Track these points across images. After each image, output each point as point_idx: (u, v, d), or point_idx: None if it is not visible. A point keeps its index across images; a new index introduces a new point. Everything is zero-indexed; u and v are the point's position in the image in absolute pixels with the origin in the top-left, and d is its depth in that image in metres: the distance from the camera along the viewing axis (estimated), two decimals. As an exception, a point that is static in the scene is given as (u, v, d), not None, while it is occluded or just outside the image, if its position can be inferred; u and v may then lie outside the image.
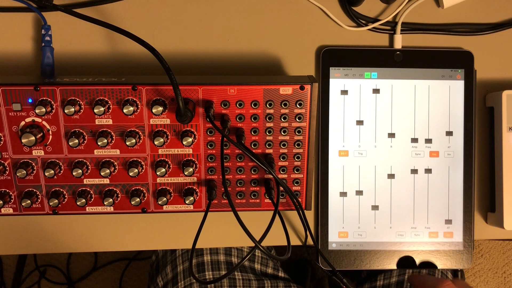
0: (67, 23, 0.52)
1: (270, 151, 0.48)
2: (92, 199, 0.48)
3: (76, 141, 0.45)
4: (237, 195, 0.49)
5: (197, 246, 0.47)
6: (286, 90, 0.46)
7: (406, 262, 0.55)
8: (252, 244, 0.40)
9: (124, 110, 0.44)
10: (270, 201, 0.49)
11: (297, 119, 0.47)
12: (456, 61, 0.54)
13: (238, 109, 0.46)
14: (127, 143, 0.45)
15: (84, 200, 0.47)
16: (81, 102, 0.45)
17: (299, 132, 0.47)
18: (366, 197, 0.54)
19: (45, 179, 0.47)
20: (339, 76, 0.53)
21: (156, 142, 0.45)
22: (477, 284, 1.39)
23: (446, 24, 0.55)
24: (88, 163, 0.47)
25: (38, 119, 0.45)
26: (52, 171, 0.46)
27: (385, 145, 0.54)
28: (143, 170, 0.47)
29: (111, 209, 0.49)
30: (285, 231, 0.45)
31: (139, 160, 0.47)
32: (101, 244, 0.55)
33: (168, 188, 0.49)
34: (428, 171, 0.54)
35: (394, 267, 0.55)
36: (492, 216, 0.55)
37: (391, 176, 0.54)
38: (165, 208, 0.49)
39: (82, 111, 0.45)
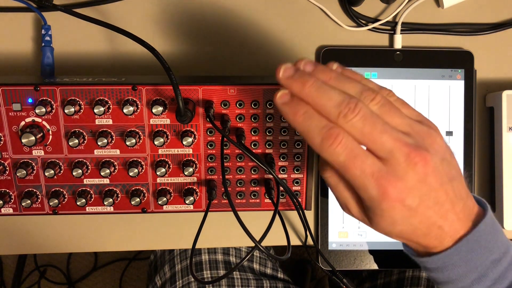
0: (67, 23, 0.52)
1: (270, 151, 0.48)
2: (92, 199, 0.48)
3: (76, 141, 0.45)
4: (237, 195, 0.49)
5: (197, 246, 0.47)
6: (286, 90, 0.46)
7: (406, 262, 0.55)
8: (252, 244, 0.40)
9: (124, 110, 0.44)
10: (270, 201, 0.49)
11: (297, 119, 0.46)
12: (456, 61, 0.54)
13: (238, 109, 0.46)
14: (127, 143, 0.45)
15: (84, 200, 0.47)
16: (81, 102, 0.45)
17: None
18: (366, 197, 0.54)
19: (45, 179, 0.47)
20: (339, 76, 0.53)
21: (156, 142, 0.45)
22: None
23: (446, 24, 0.55)
24: (88, 163, 0.47)
25: (38, 119, 0.45)
26: (52, 171, 0.46)
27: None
28: (143, 170, 0.47)
29: (111, 209, 0.49)
30: (285, 231, 0.45)
31: (139, 160, 0.47)
32: (101, 244, 0.55)
33: (168, 188, 0.49)
34: (428, 171, 0.54)
35: (395, 267, 0.55)
36: (492, 216, 0.55)
37: (391, 176, 0.54)
38: (165, 208, 0.49)
39: (82, 111, 0.45)
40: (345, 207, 0.39)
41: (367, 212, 0.37)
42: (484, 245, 0.36)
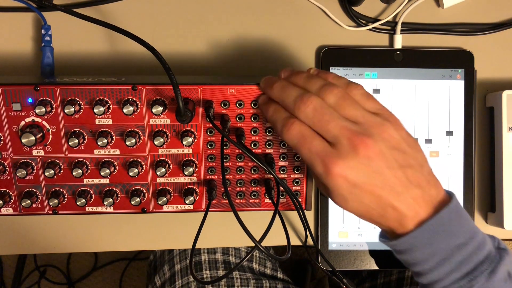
0: (67, 23, 0.52)
1: (270, 151, 0.48)
2: (92, 199, 0.48)
3: (76, 141, 0.45)
4: (237, 195, 0.49)
5: (196, 246, 0.47)
6: (286, 90, 0.46)
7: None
8: (252, 244, 0.40)
9: (124, 110, 0.44)
10: (270, 201, 0.49)
11: (297, 119, 0.46)
12: (456, 61, 0.54)
13: (238, 109, 0.46)
14: (127, 143, 0.45)
15: (84, 200, 0.47)
16: (81, 102, 0.45)
17: (299, 132, 0.47)
18: (366, 197, 0.54)
19: (45, 179, 0.47)
20: (339, 76, 0.53)
21: (156, 142, 0.45)
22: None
23: (446, 24, 0.55)
24: (88, 163, 0.47)
25: (38, 119, 0.45)
26: (52, 171, 0.46)
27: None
28: (143, 170, 0.47)
29: (111, 209, 0.49)
30: (285, 231, 0.45)
31: (139, 160, 0.47)
32: (101, 244, 0.55)
33: (168, 188, 0.49)
34: (428, 171, 0.54)
35: (395, 267, 0.55)
36: (492, 216, 0.55)
37: (391, 176, 0.54)
38: (165, 208, 0.49)
39: (82, 111, 0.45)
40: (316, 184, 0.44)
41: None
42: (448, 230, 0.39)
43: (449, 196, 0.41)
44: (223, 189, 0.49)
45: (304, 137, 0.39)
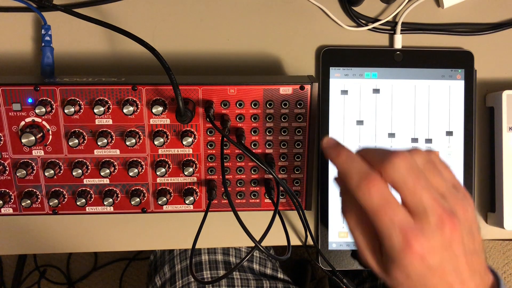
0: (67, 23, 0.52)
1: (270, 151, 0.48)
2: (92, 199, 0.48)
3: (76, 141, 0.45)
4: (237, 195, 0.49)
5: (197, 246, 0.47)
6: (286, 90, 0.46)
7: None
8: (252, 244, 0.40)
9: (124, 110, 0.44)
10: (270, 201, 0.49)
11: (297, 119, 0.47)
12: (456, 61, 0.54)
13: (238, 109, 0.46)
14: (127, 143, 0.45)
15: (84, 200, 0.47)
16: (81, 102, 0.45)
17: (299, 132, 0.47)
18: (366, 197, 0.54)
19: (45, 179, 0.47)
20: (339, 76, 0.53)
21: (156, 142, 0.45)
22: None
23: (446, 24, 0.55)
24: (88, 163, 0.47)
25: (38, 119, 0.45)
26: (52, 171, 0.46)
27: (385, 145, 0.54)
28: (143, 170, 0.47)
29: (111, 209, 0.49)
30: (285, 231, 0.45)
31: (139, 160, 0.47)
32: (101, 244, 0.55)
33: (168, 188, 0.49)
34: (428, 171, 0.54)
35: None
36: (492, 216, 0.55)
37: (391, 176, 0.54)
38: (165, 208, 0.49)
39: (82, 111, 0.45)
40: (359, 250, 0.40)
41: (384, 259, 0.37)
42: None
43: (496, 278, 0.38)
44: (223, 189, 0.49)
45: (388, 202, 0.34)
